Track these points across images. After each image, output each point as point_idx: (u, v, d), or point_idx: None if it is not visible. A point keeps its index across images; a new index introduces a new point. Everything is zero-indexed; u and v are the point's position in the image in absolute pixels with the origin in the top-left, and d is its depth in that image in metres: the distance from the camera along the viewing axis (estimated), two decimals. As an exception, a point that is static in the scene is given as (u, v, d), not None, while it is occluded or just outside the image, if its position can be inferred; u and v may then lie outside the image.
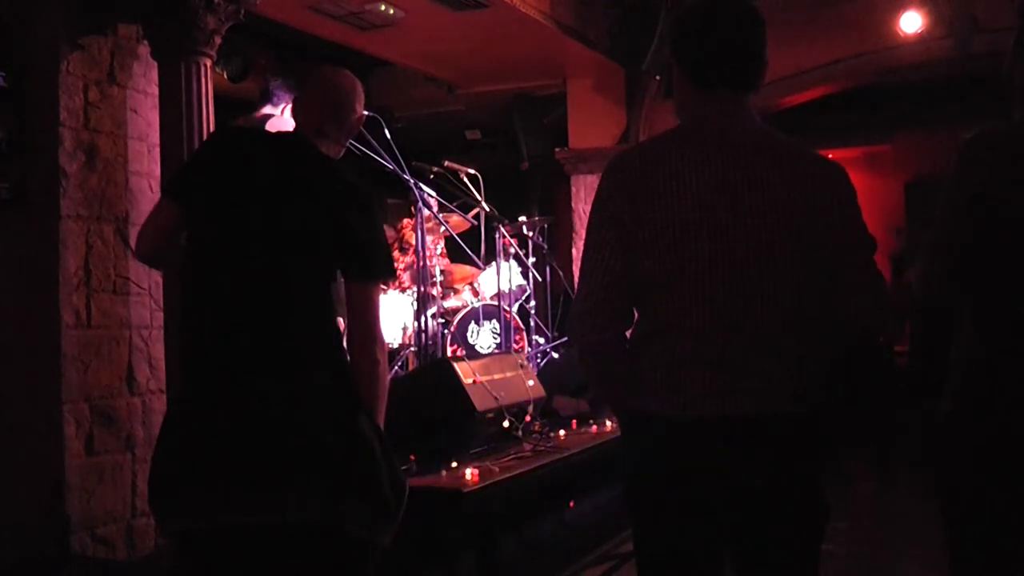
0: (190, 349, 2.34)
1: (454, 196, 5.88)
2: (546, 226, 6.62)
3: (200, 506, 2.21)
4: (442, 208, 5.74)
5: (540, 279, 6.21)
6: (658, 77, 7.18)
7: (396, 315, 5.79)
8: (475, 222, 5.92)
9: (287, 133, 2.52)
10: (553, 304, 6.44)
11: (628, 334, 2.02)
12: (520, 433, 4.22)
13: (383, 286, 2.43)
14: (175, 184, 2.43)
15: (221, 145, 2.49)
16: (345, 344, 2.44)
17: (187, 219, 2.36)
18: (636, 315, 2.01)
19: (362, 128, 4.84)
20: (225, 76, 6.40)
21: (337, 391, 2.30)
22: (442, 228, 5.98)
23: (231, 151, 2.42)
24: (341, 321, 2.46)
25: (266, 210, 2.30)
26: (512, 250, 5.81)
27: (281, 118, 4.48)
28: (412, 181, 5.01)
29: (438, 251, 6.34)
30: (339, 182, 2.36)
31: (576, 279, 2.06)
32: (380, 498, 2.28)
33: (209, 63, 3.93)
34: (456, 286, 6.30)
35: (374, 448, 2.30)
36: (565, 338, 6.36)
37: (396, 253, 6.50)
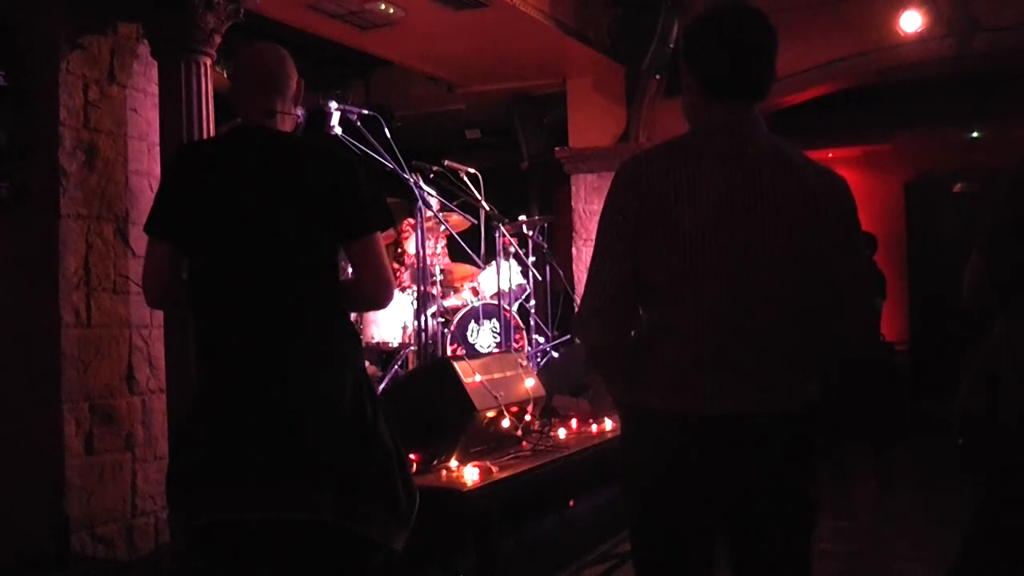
0: (206, 352, 2.35)
1: (454, 195, 5.88)
2: (546, 225, 6.62)
3: (219, 501, 2.23)
4: (443, 207, 5.75)
5: (540, 278, 6.21)
6: (658, 76, 7.17)
7: (396, 314, 5.79)
8: (474, 220, 5.92)
9: (239, 128, 2.48)
10: (553, 303, 6.44)
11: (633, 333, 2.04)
12: (520, 433, 4.22)
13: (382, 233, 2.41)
14: (155, 223, 2.39)
15: (184, 165, 2.47)
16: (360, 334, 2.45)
17: (181, 248, 2.35)
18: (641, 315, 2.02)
19: (362, 127, 4.87)
20: (225, 76, 6.40)
21: (358, 394, 2.31)
22: (442, 228, 5.98)
23: (196, 167, 2.41)
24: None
25: (252, 211, 2.29)
26: (512, 249, 5.81)
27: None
28: (412, 180, 5.00)
29: (438, 250, 6.34)
30: (308, 155, 2.34)
31: (576, 278, 2.07)
32: (396, 503, 2.30)
33: (209, 62, 3.92)
34: (456, 285, 6.30)
35: (392, 455, 2.32)
36: (565, 337, 6.36)
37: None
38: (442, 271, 5.88)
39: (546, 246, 6.45)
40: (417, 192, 5.01)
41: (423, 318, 5.12)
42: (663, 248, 1.90)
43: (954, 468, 2.69)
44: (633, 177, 1.97)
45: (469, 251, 5.87)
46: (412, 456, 3.63)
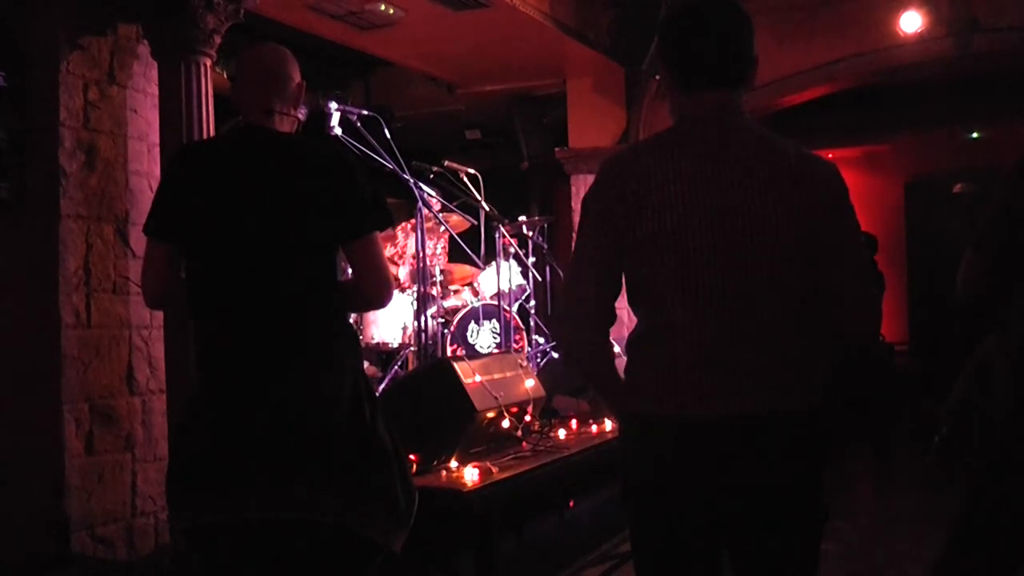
0: (205, 352, 2.35)
1: (454, 196, 5.88)
2: (546, 226, 6.62)
3: (219, 502, 2.23)
4: (443, 208, 5.75)
5: (540, 279, 6.21)
6: (658, 76, 7.17)
7: (396, 315, 5.79)
8: (475, 221, 5.91)
9: (239, 128, 2.48)
10: (553, 304, 6.43)
11: (626, 333, 2.03)
12: (520, 433, 4.22)
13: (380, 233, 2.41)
14: (155, 224, 2.39)
15: (183, 166, 2.46)
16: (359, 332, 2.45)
17: (180, 249, 2.35)
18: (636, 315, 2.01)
19: (362, 128, 4.87)
20: (225, 76, 6.40)
21: (356, 395, 2.31)
22: (442, 228, 5.98)
23: (195, 168, 2.40)
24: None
25: (252, 212, 2.29)
26: (512, 250, 5.81)
27: None
28: (412, 181, 5.00)
29: (438, 250, 6.34)
30: (307, 155, 2.34)
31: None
32: (395, 504, 2.30)
33: (209, 63, 3.92)
34: (455, 286, 6.30)
35: (391, 455, 2.32)
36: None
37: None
38: (442, 272, 5.88)
39: (546, 246, 6.45)
40: (417, 192, 5.01)
41: (423, 319, 5.12)
42: (651, 245, 1.88)
43: (940, 463, 2.70)
44: (616, 173, 1.95)
45: (469, 251, 5.87)
46: (412, 456, 3.63)
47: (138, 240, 3.95)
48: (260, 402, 2.24)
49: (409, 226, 6.03)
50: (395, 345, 5.79)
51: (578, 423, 4.84)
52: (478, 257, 5.99)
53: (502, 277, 5.62)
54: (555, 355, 6.00)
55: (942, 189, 10.06)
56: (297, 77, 2.47)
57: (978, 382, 2.42)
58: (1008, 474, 2.32)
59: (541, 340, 6.16)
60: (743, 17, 1.98)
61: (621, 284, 1.98)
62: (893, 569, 4.65)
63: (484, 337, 5.84)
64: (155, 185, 4.04)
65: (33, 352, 3.74)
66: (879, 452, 7.40)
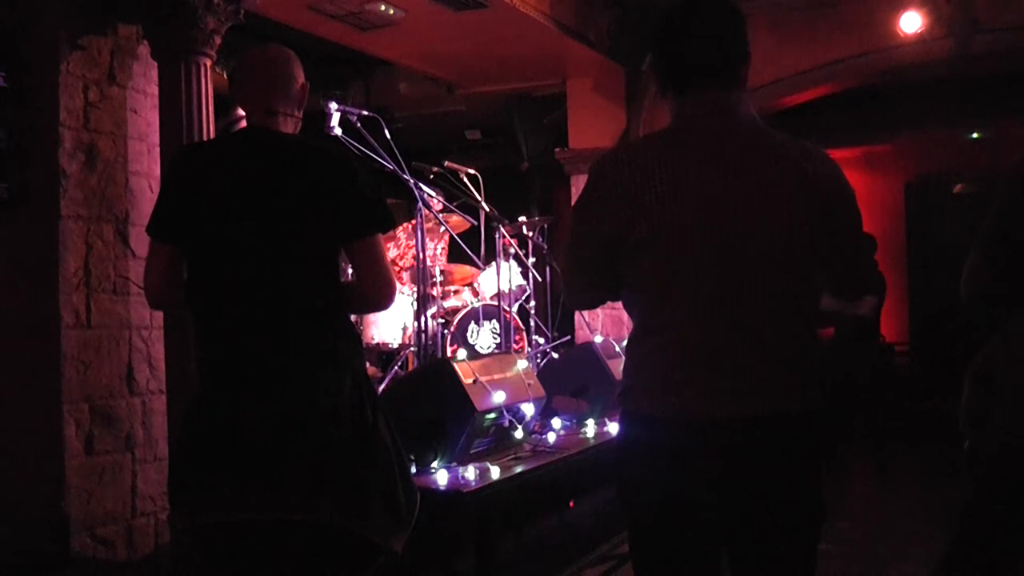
0: (207, 352, 2.35)
1: (454, 196, 5.88)
2: (546, 226, 6.62)
3: (220, 502, 2.24)
4: (443, 208, 5.75)
5: (540, 279, 6.21)
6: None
7: (396, 315, 5.79)
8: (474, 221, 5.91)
9: (242, 129, 2.49)
10: (553, 304, 6.44)
11: (626, 333, 2.03)
12: (520, 433, 4.22)
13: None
14: (157, 224, 2.40)
15: (185, 166, 2.46)
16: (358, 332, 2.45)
17: (182, 249, 2.36)
18: (633, 315, 2.01)
19: (362, 128, 4.87)
20: (225, 76, 6.40)
21: (358, 395, 2.31)
22: (442, 229, 5.98)
23: (197, 168, 2.40)
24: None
25: (253, 212, 2.29)
26: (512, 250, 5.80)
27: None
28: (412, 181, 5.00)
29: (438, 251, 6.34)
30: (309, 156, 2.34)
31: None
32: (396, 505, 2.31)
33: (209, 63, 3.93)
34: (456, 286, 6.30)
35: (391, 456, 2.32)
36: (565, 338, 6.36)
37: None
38: (442, 272, 5.88)
39: (546, 247, 6.44)
40: (417, 193, 5.00)
41: (423, 319, 5.12)
42: (648, 247, 1.88)
43: (956, 469, 2.70)
44: (611, 174, 1.95)
45: (469, 252, 5.87)
46: (411, 456, 3.63)
47: (138, 240, 3.95)
48: (261, 403, 2.24)
49: (410, 227, 6.03)
50: (395, 345, 5.79)
51: (578, 423, 4.84)
52: (478, 257, 5.99)
53: (502, 277, 5.62)
54: (555, 355, 6.00)
55: (942, 189, 10.06)
56: (301, 78, 2.47)
57: (982, 386, 2.41)
58: (1012, 476, 2.32)
59: (541, 340, 6.16)
60: (737, 14, 1.99)
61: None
62: (893, 569, 4.65)
63: (484, 337, 5.83)
64: (155, 185, 4.04)
65: (33, 352, 3.75)
66: (882, 454, 7.38)
